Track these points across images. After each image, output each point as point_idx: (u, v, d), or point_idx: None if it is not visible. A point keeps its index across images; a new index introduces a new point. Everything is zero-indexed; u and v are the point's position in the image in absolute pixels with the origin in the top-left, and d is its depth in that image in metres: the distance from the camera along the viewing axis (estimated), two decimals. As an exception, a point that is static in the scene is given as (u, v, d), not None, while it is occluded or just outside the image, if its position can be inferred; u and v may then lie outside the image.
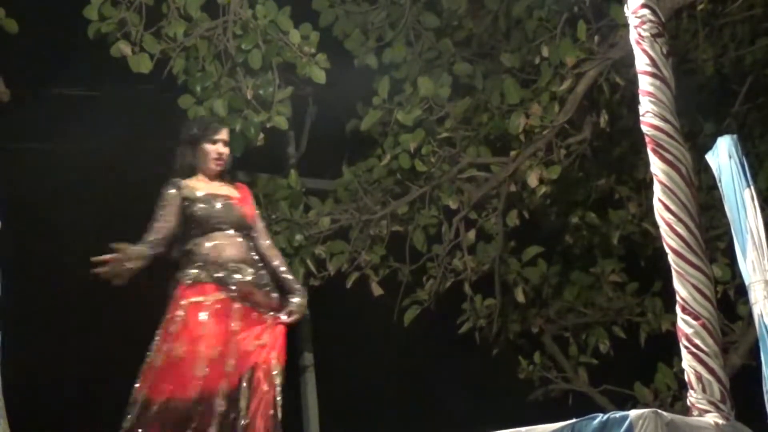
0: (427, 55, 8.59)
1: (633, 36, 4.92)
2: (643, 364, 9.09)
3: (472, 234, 8.84)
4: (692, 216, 4.66)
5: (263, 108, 7.97)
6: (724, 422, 4.44)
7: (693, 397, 4.54)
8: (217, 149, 5.66)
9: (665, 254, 4.70)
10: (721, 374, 4.54)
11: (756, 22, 8.98)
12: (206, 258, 5.43)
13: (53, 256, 9.05)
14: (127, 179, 9.84)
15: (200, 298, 5.32)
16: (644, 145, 4.84)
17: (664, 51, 4.86)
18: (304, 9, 8.33)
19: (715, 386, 4.51)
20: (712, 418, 4.44)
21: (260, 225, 5.69)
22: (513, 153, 8.49)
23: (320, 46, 7.99)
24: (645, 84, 4.83)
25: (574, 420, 4.23)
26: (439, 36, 8.62)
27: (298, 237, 8.55)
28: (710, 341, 4.53)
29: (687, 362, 4.57)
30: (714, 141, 4.88)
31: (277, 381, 5.27)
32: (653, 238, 8.16)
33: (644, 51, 4.85)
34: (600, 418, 4.12)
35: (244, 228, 5.53)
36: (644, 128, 4.81)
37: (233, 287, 5.36)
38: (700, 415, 4.48)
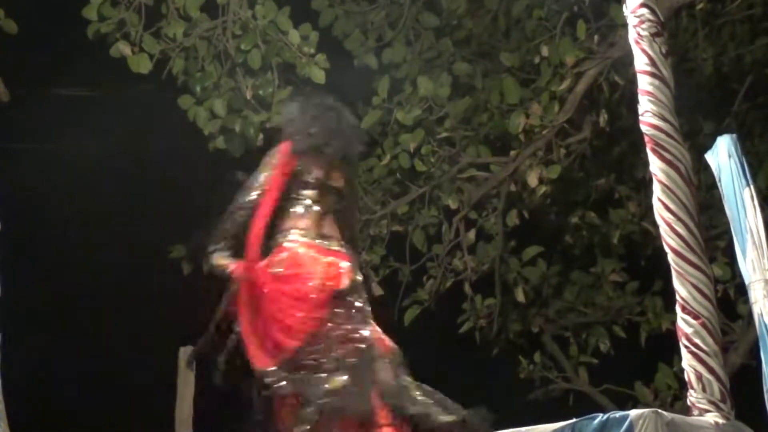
0: (427, 55, 8.58)
1: (632, 35, 4.92)
2: (644, 363, 9.09)
3: (472, 234, 8.84)
4: (692, 215, 4.66)
5: (263, 108, 7.97)
6: (725, 421, 4.44)
7: (693, 397, 4.54)
8: None
9: (665, 253, 4.70)
10: (721, 373, 4.54)
11: (755, 22, 8.98)
12: None
13: (53, 256, 9.05)
14: (128, 179, 9.85)
15: None
16: (644, 145, 4.84)
17: (663, 50, 4.86)
18: (304, 9, 8.32)
19: (715, 386, 4.51)
20: (712, 417, 4.44)
21: None
22: (513, 152, 8.50)
23: (320, 46, 7.99)
24: (644, 83, 4.83)
25: (574, 420, 4.23)
26: (439, 36, 8.62)
27: (298, 237, 8.54)
28: (710, 340, 4.53)
29: (687, 362, 4.57)
30: (713, 140, 4.88)
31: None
32: (653, 238, 8.15)
33: (643, 50, 4.85)
34: (600, 417, 4.12)
35: None
36: (644, 128, 4.81)
37: None
38: (700, 414, 4.48)
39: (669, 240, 4.65)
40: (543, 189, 8.51)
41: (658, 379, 8.94)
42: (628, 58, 5.21)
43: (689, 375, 4.55)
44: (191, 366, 7.69)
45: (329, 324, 4.64)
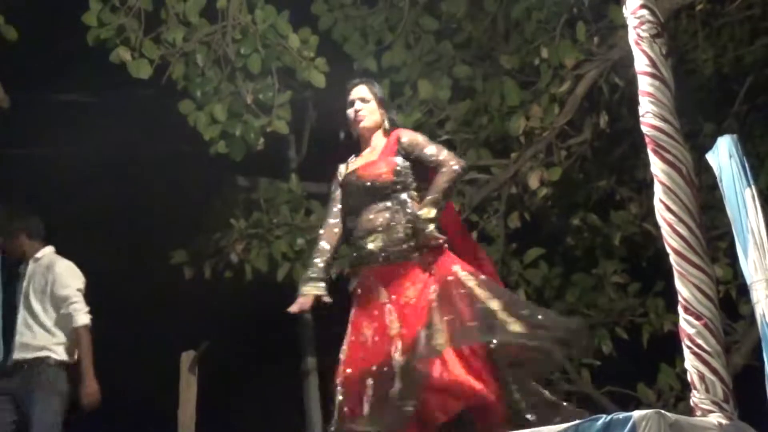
0: (427, 58, 8.58)
1: (632, 37, 4.91)
2: (646, 364, 9.09)
3: (473, 236, 8.84)
4: (693, 216, 4.65)
5: (263, 112, 7.98)
6: (728, 422, 4.43)
7: (696, 398, 4.53)
8: (354, 110, 5.20)
9: (667, 255, 4.69)
10: (723, 374, 4.53)
11: (755, 22, 8.99)
12: (350, 242, 5.08)
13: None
14: (128, 184, 9.85)
15: (352, 288, 5.07)
16: (644, 146, 4.84)
17: (664, 51, 4.86)
18: (303, 13, 8.33)
19: (718, 386, 4.50)
20: (715, 418, 4.43)
21: (410, 142, 5.11)
22: (513, 155, 8.50)
23: (319, 50, 8.00)
24: (644, 84, 4.82)
25: (577, 421, 4.23)
26: (439, 39, 8.62)
27: (300, 241, 8.56)
28: (713, 341, 4.52)
29: (689, 362, 4.56)
30: (714, 141, 4.87)
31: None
32: (654, 239, 8.15)
33: (643, 52, 4.84)
34: (603, 419, 4.11)
35: (375, 193, 5.04)
36: (644, 129, 4.80)
37: (366, 259, 5.00)
38: (703, 415, 4.47)
39: (670, 241, 4.64)
40: (544, 191, 8.51)
41: (660, 380, 8.94)
42: (628, 60, 5.20)
43: (692, 376, 4.54)
44: (194, 370, 7.72)
45: None
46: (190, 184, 9.77)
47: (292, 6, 8.06)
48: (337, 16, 8.56)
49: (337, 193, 5.23)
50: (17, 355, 6.28)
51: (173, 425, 7.60)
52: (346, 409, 4.95)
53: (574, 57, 8.15)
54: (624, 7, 5.00)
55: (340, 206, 5.20)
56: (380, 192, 5.06)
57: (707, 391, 4.50)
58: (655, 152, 4.73)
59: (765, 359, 4.51)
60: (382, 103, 5.28)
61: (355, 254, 5.07)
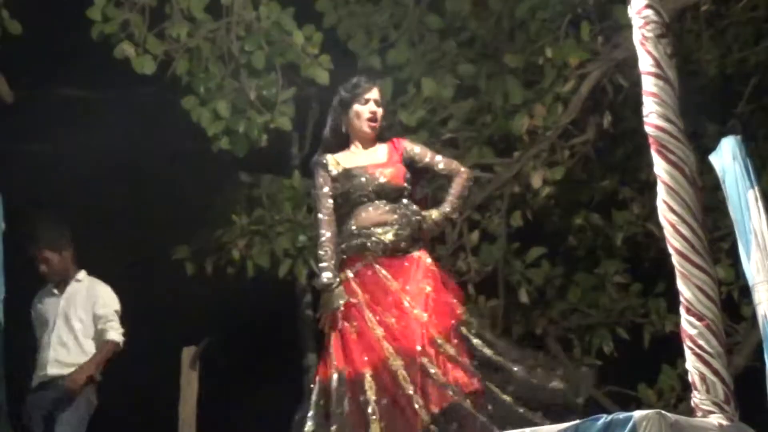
0: (431, 56, 8.58)
1: (636, 37, 4.91)
2: (647, 365, 9.09)
3: (475, 235, 8.84)
4: (696, 217, 4.65)
5: (267, 109, 7.98)
6: (728, 423, 4.43)
7: (697, 398, 4.53)
8: (369, 109, 5.29)
9: (669, 255, 4.69)
10: (725, 375, 4.53)
11: (759, 23, 8.98)
12: (346, 232, 5.16)
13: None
14: (130, 180, 9.85)
15: (343, 276, 5.09)
16: (648, 146, 4.84)
17: (668, 52, 4.85)
18: (308, 10, 8.33)
19: (719, 387, 4.50)
20: (716, 419, 4.43)
21: (418, 152, 5.32)
22: (516, 154, 8.49)
23: (324, 47, 8.00)
24: (648, 85, 4.82)
25: (577, 421, 4.23)
26: (443, 37, 8.61)
27: (302, 237, 8.55)
28: (714, 342, 4.52)
29: (691, 363, 4.56)
30: (718, 142, 4.88)
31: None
32: (657, 239, 8.14)
33: (648, 52, 4.84)
34: (604, 419, 4.11)
35: (389, 194, 5.19)
36: (648, 129, 4.80)
37: (373, 248, 5.11)
38: (704, 416, 4.47)
39: (673, 241, 4.64)
40: (546, 190, 8.51)
41: (661, 380, 8.94)
42: (632, 60, 5.20)
43: (693, 376, 4.54)
44: (194, 366, 7.73)
45: None
46: (193, 180, 9.77)
47: (296, 2, 8.06)
48: (341, 14, 8.55)
49: (328, 187, 5.25)
50: (51, 370, 6.57)
51: (174, 421, 7.61)
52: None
53: (578, 56, 8.14)
54: (629, 6, 4.99)
55: (332, 201, 5.23)
56: (392, 193, 5.20)
57: (708, 392, 4.50)
58: (659, 152, 4.73)
59: (766, 360, 4.51)
60: (386, 108, 5.43)
61: (356, 242, 5.14)
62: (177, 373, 7.75)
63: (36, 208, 7.48)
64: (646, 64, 4.84)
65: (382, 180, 5.19)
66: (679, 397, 8.73)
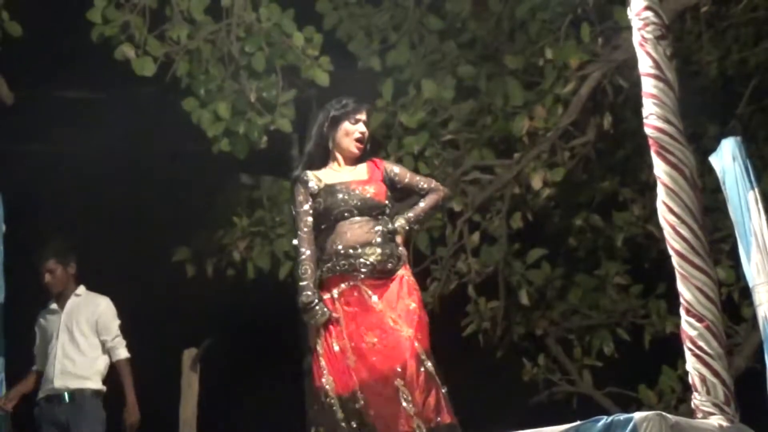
0: (431, 58, 8.58)
1: (636, 38, 4.91)
2: (648, 366, 9.08)
3: (476, 236, 8.84)
4: (696, 218, 4.65)
5: (267, 110, 7.98)
6: (729, 424, 4.43)
7: (697, 400, 4.53)
8: (359, 129, 5.31)
9: (669, 256, 4.69)
10: (725, 376, 4.53)
11: (760, 24, 8.98)
12: (331, 250, 5.15)
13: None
14: (131, 182, 9.85)
15: (327, 295, 5.10)
16: (648, 148, 4.84)
17: (668, 53, 4.86)
18: (308, 11, 8.33)
19: (720, 389, 4.51)
20: (716, 420, 4.44)
21: (398, 172, 5.38)
22: (517, 155, 8.49)
23: (324, 49, 8.00)
24: (648, 86, 4.82)
25: (578, 422, 4.23)
26: (443, 38, 8.62)
27: (302, 239, 8.53)
28: (714, 343, 4.53)
29: (691, 364, 4.56)
30: (718, 143, 4.88)
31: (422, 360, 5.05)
32: (657, 241, 8.14)
33: (647, 53, 4.84)
34: (604, 420, 4.12)
35: (371, 210, 5.20)
36: (648, 130, 4.80)
37: (357, 272, 5.12)
38: (704, 417, 4.47)
39: (673, 243, 4.64)
40: (547, 192, 8.51)
41: (662, 381, 8.94)
42: (632, 61, 5.21)
43: (693, 378, 4.55)
44: (195, 368, 7.73)
45: None
46: (193, 182, 9.77)
47: (296, 4, 8.06)
48: (341, 15, 8.55)
49: (308, 205, 5.25)
50: (58, 382, 6.64)
51: (175, 422, 7.61)
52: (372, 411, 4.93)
53: (578, 58, 8.14)
54: (628, 8, 5.00)
55: (311, 219, 5.23)
56: (374, 209, 5.21)
57: (708, 393, 4.50)
58: (659, 154, 4.74)
59: (767, 362, 4.51)
60: (370, 134, 5.46)
61: (344, 263, 5.12)
62: (178, 375, 7.76)
63: (51, 232, 7.53)
64: (645, 65, 4.85)
65: (366, 195, 5.20)
66: (679, 399, 8.73)
